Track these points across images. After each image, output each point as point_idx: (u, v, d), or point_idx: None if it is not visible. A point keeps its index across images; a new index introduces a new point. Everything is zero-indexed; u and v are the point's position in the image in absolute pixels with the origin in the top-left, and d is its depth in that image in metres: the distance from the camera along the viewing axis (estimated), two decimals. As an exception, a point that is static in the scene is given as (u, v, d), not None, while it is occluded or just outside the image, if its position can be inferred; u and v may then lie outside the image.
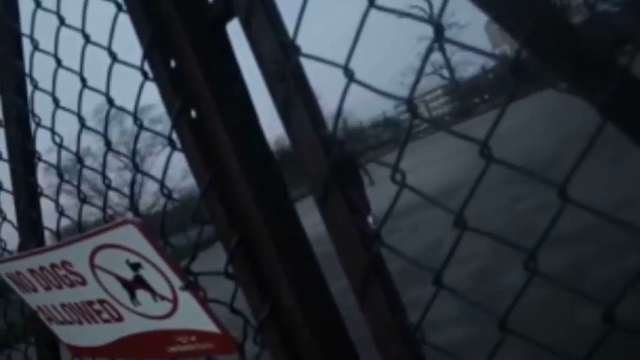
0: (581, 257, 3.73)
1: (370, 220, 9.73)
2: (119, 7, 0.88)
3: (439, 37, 0.63)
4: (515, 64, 0.59)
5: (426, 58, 0.64)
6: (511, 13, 0.63)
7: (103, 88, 0.97)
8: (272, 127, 1.01)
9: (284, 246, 0.86)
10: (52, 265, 1.07)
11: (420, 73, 0.65)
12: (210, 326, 0.95)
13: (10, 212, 1.33)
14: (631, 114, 0.59)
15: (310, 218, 1.24)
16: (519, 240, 0.62)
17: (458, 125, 29.80)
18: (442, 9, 0.62)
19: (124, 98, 0.94)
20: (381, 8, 0.68)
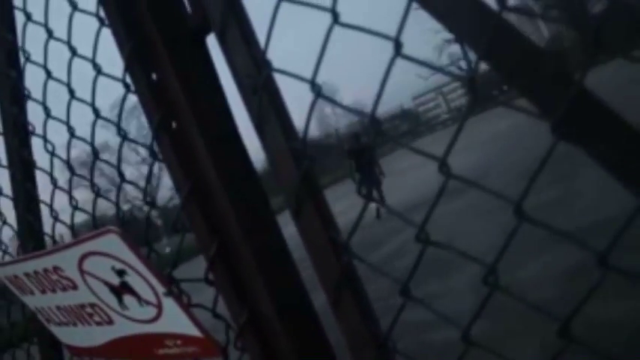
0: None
1: (382, 211, 9.78)
2: (102, 22, 0.90)
3: (397, 54, 0.64)
4: (471, 81, 0.60)
5: (387, 73, 0.65)
6: (469, 28, 0.64)
7: (99, 92, 1.00)
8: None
9: (262, 254, 0.88)
10: (45, 270, 1.10)
11: (382, 87, 0.66)
12: (193, 331, 0.97)
13: (11, 216, 1.37)
14: (586, 130, 0.59)
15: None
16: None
17: (475, 117, 29.52)
18: (401, 26, 0.63)
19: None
20: (345, 25, 0.69)
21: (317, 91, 0.72)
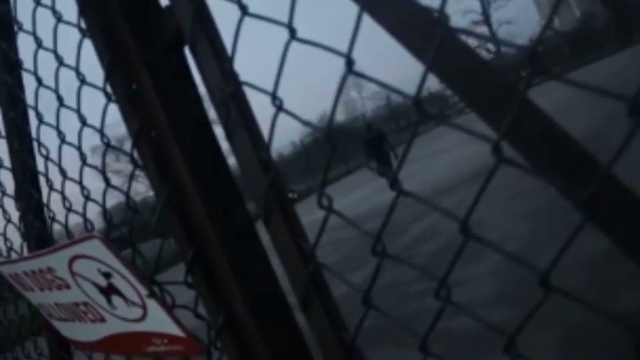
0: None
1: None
2: (83, 33, 0.93)
3: (349, 71, 0.65)
4: (417, 99, 0.61)
5: (340, 89, 0.66)
6: (416, 40, 0.64)
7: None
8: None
9: (238, 259, 0.91)
10: (41, 270, 1.15)
11: (335, 103, 0.67)
12: (177, 331, 1.01)
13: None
14: (530, 142, 0.60)
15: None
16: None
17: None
18: (351, 43, 0.64)
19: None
20: (302, 41, 0.70)
21: (278, 104, 0.74)
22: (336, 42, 0.71)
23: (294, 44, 0.71)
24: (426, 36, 0.63)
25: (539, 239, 4.20)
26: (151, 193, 1.10)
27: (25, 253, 1.47)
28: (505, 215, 5.19)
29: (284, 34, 0.72)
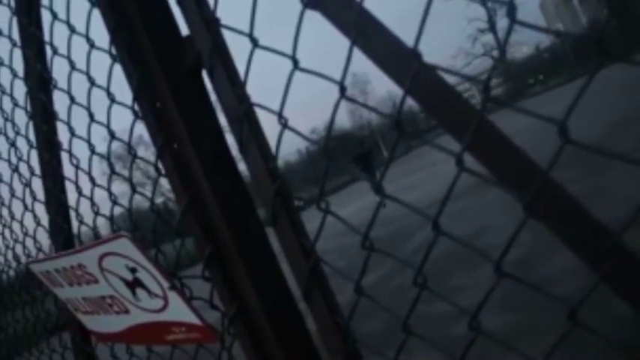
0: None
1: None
2: (114, 58, 1.07)
3: (342, 96, 0.78)
4: (398, 120, 0.75)
5: (334, 112, 0.80)
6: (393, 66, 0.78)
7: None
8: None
9: (248, 254, 1.04)
10: (72, 267, 1.29)
11: (330, 126, 0.80)
12: (194, 319, 1.14)
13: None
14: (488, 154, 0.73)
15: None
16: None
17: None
18: (345, 71, 0.77)
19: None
20: (304, 70, 0.84)
21: (283, 123, 0.87)
22: (336, 48, 0.83)
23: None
24: (404, 67, 0.76)
25: (542, 246, 4.30)
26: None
27: (53, 253, 1.60)
28: (510, 223, 5.29)
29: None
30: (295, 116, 0.94)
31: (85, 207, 1.39)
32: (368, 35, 0.76)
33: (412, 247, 6.48)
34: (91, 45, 1.13)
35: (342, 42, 0.79)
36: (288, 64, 0.84)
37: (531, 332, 2.94)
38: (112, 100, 1.11)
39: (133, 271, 1.14)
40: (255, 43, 0.88)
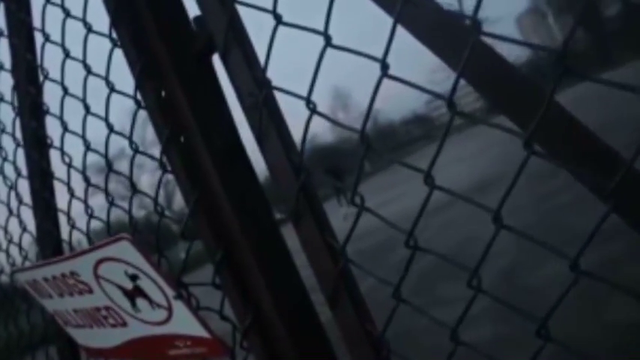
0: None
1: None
2: (114, 43, 0.97)
3: (384, 74, 0.69)
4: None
5: (375, 93, 0.70)
6: (445, 47, 0.69)
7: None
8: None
9: (265, 260, 0.94)
10: (63, 275, 1.17)
11: (371, 106, 0.71)
12: (202, 332, 1.03)
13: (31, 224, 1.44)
14: (558, 144, 0.64)
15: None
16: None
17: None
18: (387, 49, 0.68)
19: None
20: (337, 47, 0.74)
21: (312, 108, 0.78)
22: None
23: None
24: (456, 43, 0.67)
25: (528, 254, 4.25)
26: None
27: (40, 261, 1.48)
28: (501, 232, 5.25)
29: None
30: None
31: (77, 210, 1.28)
32: (414, 3, 0.67)
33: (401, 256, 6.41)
34: (89, 29, 1.03)
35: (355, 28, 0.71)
36: (298, 53, 0.75)
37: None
38: (112, 88, 1.01)
39: (133, 278, 1.02)
40: (279, 20, 0.79)
